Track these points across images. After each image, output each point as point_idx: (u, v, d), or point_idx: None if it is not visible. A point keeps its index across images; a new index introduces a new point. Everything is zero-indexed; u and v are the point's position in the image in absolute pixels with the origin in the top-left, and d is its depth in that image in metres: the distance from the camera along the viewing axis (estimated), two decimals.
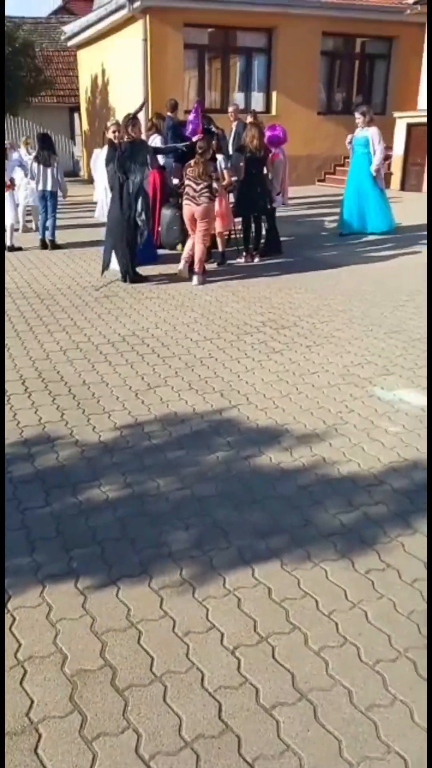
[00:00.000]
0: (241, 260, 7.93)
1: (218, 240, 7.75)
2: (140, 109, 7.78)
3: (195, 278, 6.94)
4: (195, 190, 6.71)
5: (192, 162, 6.83)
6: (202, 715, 1.91)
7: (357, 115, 9.43)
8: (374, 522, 2.80)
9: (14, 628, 2.21)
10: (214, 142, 7.23)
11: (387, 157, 15.77)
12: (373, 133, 9.08)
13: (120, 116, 9.22)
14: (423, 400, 4.00)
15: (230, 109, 9.92)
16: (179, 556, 2.58)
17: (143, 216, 6.73)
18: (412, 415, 3.80)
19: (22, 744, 1.80)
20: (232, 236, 8.27)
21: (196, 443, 3.49)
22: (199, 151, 6.78)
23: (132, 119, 6.89)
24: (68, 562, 2.54)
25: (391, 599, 2.35)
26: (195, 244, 6.91)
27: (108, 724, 1.87)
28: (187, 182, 6.80)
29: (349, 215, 9.54)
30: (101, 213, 7.30)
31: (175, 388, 4.18)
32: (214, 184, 6.77)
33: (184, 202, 6.91)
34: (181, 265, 7.10)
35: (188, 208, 6.84)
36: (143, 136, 7.57)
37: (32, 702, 1.93)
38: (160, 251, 8.34)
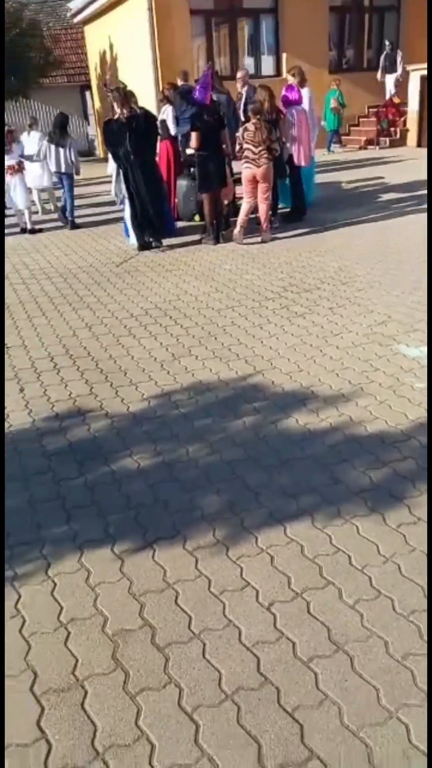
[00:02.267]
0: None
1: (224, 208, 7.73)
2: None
3: (263, 236, 7.24)
4: (254, 152, 6.86)
5: (250, 126, 6.89)
6: (240, 669, 1.95)
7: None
8: (403, 477, 2.80)
9: (55, 592, 2.28)
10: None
11: (403, 113, 15.38)
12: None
13: (132, 88, 9.08)
14: None
15: (239, 74, 9.70)
16: (212, 518, 2.62)
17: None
18: None
19: (70, 699, 1.88)
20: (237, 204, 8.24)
21: (222, 410, 3.51)
22: (257, 115, 6.87)
23: (131, 94, 6.89)
24: (104, 528, 2.60)
25: (423, 551, 2.36)
26: (259, 204, 7.14)
27: (150, 679, 1.93)
28: (246, 145, 6.90)
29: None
30: (117, 188, 7.26)
31: (199, 357, 4.20)
32: (274, 145, 6.92)
33: (244, 165, 7.01)
34: (236, 231, 7.28)
35: (249, 171, 6.98)
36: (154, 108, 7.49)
37: (77, 661, 2.00)
38: (178, 223, 8.30)
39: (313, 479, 2.84)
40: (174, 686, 1.91)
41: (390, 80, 15.26)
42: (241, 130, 7.13)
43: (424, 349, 4.07)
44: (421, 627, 2.05)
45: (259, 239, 7.25)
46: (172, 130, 8.31)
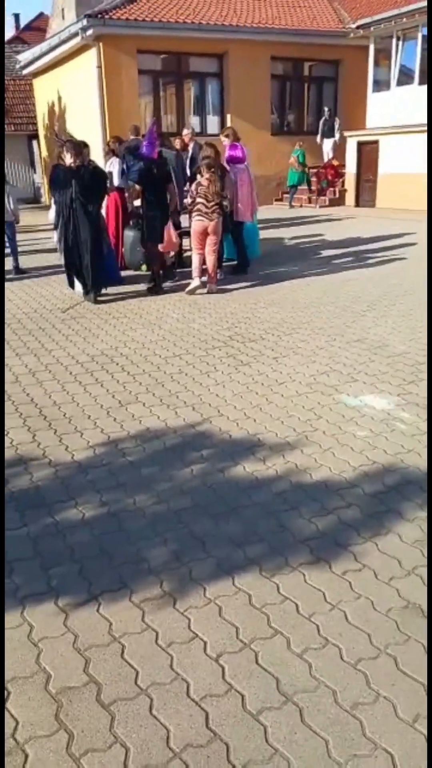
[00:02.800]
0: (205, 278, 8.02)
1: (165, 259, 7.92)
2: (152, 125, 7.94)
3: (209, 287, 7.46)
4: (207, 206, 7.09)
5: (203, 180, 7.11)
6: (189, 724, 1.91)
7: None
8: (348, 524, 2.85)
9: None
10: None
11: (341, 175, 16.28)
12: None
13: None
14: (387, 404, 4.10)
15: (185, 131, 10.06)
16: (159, 569, 2.59)
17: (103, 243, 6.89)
18: (378, 419, 3.89)
19: (10, 765, 1.78)
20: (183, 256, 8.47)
21: (170, 458, 3.50)
22: (210, 169, 7.13)
23: (84, 145, 7.05)
24: (47, 581, 2.51)
25: (369, 598, 2.39)
26: (207, 256, 7.33)
27: (95, 739, 1.86)
28: (198, 199, 7.10)
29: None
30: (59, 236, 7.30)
31: (146, 404, 4.20)
32: (224, 202, 7.22)
33: (196, 217, 7.21)
34: (195, 283, 7.42)
35: (201, 224, 7.19)
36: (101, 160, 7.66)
37: (17, 723, 1.91)
38: (124, 272, 8.39)
39: (261, 527, 2.85)
40: (120, 746, 1.84)
41: (328, 144, 16.20)
42: (194, 184, 7.36)
43: (364, 398, 4.21)
44: (368, 674, 2.06)
45: (204, 290, 7.40)
46: (116, 182, 8.52)
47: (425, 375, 4.60)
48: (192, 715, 1.94)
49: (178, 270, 8.36)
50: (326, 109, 16.44)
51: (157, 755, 1.81)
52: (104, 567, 2.60)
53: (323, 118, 16.22)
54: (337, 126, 15.95)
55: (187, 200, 7.37)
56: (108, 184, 7.86)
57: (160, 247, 7.38)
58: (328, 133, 16.09)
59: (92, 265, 6.99)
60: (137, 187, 7.21)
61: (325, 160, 16.31)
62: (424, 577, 2.51)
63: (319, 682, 2.04)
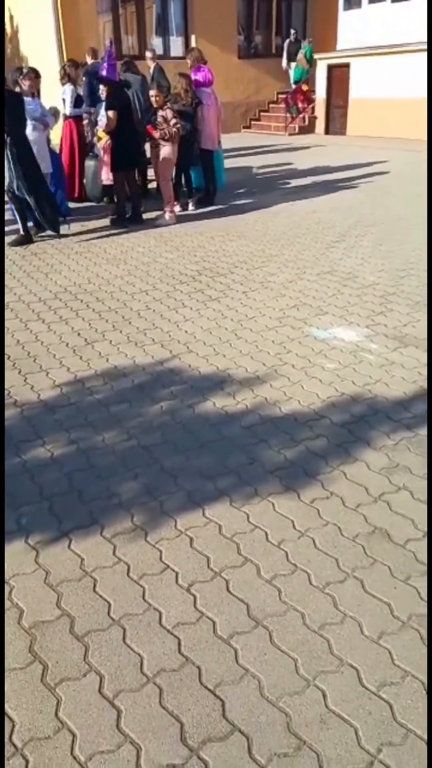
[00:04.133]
0: (177, 208, 7.80)
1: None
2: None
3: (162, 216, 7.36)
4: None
5: (168, 112, 6.93)
6: (161, 651, 1.95)
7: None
8: (316, 454, 2.88)
9: None
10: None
11: (311, 101, 15.71)
12: None
13: (33, 64, 8.71)
14: (355, 336, 4.09)
15: (148, 55, 9.51)
16: (129, 504, 2.60)
17: (22, 187, 6.20)
18: (347, 351, 3.89)
19: None
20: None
21: (139, 395, 3.47)
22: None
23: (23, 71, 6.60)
24: (17, 519, 2.51)
25: (337, 525, 2.44)
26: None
27: (70, 669, 1.89)
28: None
29: None
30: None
31: (113, 342, 4.12)
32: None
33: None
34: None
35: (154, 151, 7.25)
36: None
37: None
38: (86, 204, 8.10)
39: (231, 460, 2.87)
40: (95, 674, 1.88)
41: (294, 68, 15.55)
42: (160, 115, 6.99)
43: (333, 331, 4.20)
44: (335, 597, 2.12)
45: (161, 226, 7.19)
46: (68, 110, 8.09)
47: (394, 306, 4.59)
48: (165, 642, 1.98)
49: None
50: (292, 30, 15.67)
51: (131, 681, 1.86)
52: (74, 504, 2.60)
53: (288, 40, 15.50)
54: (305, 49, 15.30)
55: (157, 133, 6.99)
56: (60, 112, 7.47)
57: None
58: (294, 56, 15.41)
59: (38, 204, 6.37)
60: (110, 113, 6.72)
61: (292, 85, 15.71)
62: (391, 502, 2.56)
63: (288, 606, 2.10)
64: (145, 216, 7.55)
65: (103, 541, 2.39)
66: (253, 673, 1.88)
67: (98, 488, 2.70)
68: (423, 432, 3.03)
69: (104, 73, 6.99)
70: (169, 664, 1.91)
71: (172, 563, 2.28)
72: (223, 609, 2.09)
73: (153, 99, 7.01)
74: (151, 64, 9.00)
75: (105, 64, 7.04)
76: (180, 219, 7.43)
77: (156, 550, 2.35)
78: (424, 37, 12.52)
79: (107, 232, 6.96)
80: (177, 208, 7.78)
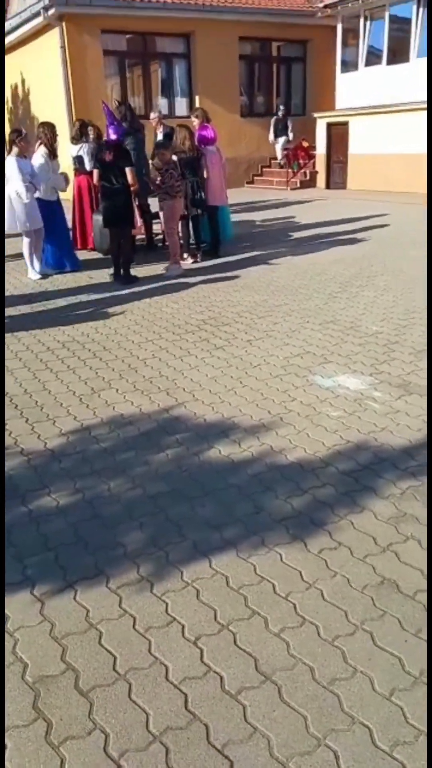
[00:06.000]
0: (188, 261, 7.98)
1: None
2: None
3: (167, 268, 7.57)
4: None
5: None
6: (168, 707, 1.91)
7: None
8: (323, 503, 2.87)
9: None
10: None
11: (311, 156, 16.25)
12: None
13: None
14: (360, 384, 4.12)
15: (152, 115, 9.83)
16: (135, 554, 2.57)
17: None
18: (351, 399, 3.91)
19: None
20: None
21: (144, 443, 3.48)
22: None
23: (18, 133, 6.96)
24: (22, 570, 2.48)
25: (345, 576, 2.41)
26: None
27: (74, 727, 1.85)
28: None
29: None
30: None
31: (120, 391, 4.16)
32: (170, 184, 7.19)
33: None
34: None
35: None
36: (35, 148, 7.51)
37: None
38: (94, 255, 8.31)
39: (237, 509, 2.85)
40: (99, 732, 1.83)
41: (280, 143, 16.08)
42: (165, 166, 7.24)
43: (337, 379, 4.23)
44: (345, 650, 2.08)
45: (165, 279, 7.30)
46: (87, 166, 8.37)
47: (397, 354, 4.63)
48: (171, 698, 1.94)
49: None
50: (280, 107, 16.21)
51: (137, 739, 1.81)
52: (80, 554, 2.58)
53: (275, 117, 15.95)
54: (290, 126, 15.82)
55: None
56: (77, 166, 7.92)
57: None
58: (281, 131, 15.93)
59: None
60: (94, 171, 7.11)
61: (278, 158, 16.27)
62: (399, 553, 2.54)
63: (297, 660, 2.06)
64: (151, 268, 7.71)
65: (108, 593, 2.36)
66: (262, 732, 1.83)
67: (104, 538, 2.68)
68: None
69: (112, 134, 7.23)
70: (176, 721, 1.86)
71: (179, 616, 2.25)
72: (230, 663, 2.05)
73: (158, 159, 7.25)
74: (159, 126, 9.25)
75: (109, 126, 7.30)
76: (186, 271, 7.58)
77: (162, 602, 2.32)
78: (417, 98, 13.04)
79: (113, 285, 7.09)
80: (189, 261, 7.95)
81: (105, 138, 7.74)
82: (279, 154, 16.27)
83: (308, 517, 2.78)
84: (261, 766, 1.73)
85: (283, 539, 2.64)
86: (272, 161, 16.95)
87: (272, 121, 16.01)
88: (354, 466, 3.16)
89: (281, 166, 16.29)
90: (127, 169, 6.88)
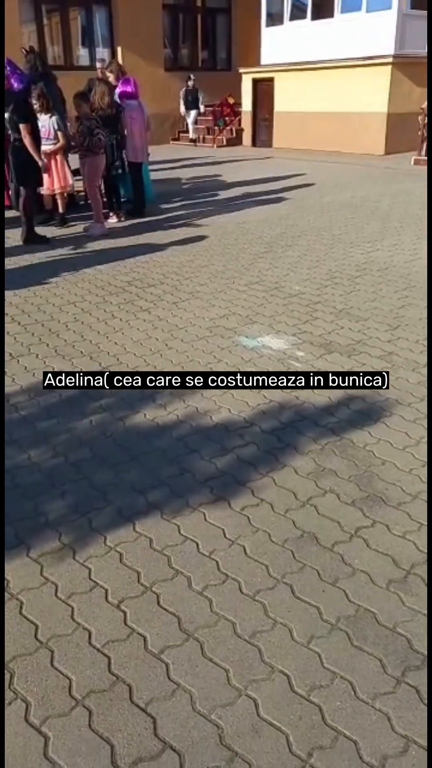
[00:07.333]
0: (113, 220, 7.75)
1: (59, 200, 7.54)
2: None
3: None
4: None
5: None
6: (91, 672, 1.91)
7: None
8: (246, 462, 2.90)
9: None
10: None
11: (237, 113, 15.99)
12: None
13: None
14: (283, 344, 4.16)
15: (98, 65, 9.26)
16: (57, 522, 2.53)
17: None
18: (275, 359, 3.95)
19: None
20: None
21: (67, 410, 3.40)
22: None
23: None
24: None
25: (266, 531, 2.47)
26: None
27: None
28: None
29: None
30: None
31: (40, 356, 4.03)
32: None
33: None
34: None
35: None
36: None
37: None
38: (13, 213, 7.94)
39: (162, 473, 2.85)
40: (20, 701, 1.81)
41: (192, 116, 15.56)
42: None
43: (261, 339, 4.26)
44: (266, 604, 2.13)
45: (89, 238, 7.12)
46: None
47: (319, 314, 4.69)
48: (94, 662, 1.94)
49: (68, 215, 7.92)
50: (191, 76, 15.45)
51: (60, 704, 1.81)
52: None
53: (185, 89, 15.18)
54: (201, 98, 15.24)
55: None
56: None
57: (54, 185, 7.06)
58: (192, 104, 15.32)
59: None
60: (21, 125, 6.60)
61: (190, 133, 15.78)
62: (318, 506, 2.61)
63: (219, 616, 2.10)
64: (73, 227, 7.46)
65: (29, 562, 2.32)
66: (184, 687, 1.86)
67: (24, 508, 2.62)
68: (348, 436, 3.10)
69: (16, 85, 6.82)
70: (98, 684, 1.87)
71: (102, 581, 2.24)
72: (153, 624, 2.07)
73: (76, 108, 6.92)
74: (109, 75, 8.70)
75: (12, 77, 6.87)
76: (109, 231, 7.37)
77: (85, 568, 2.30)
78: (342, 55, 12.99)
79: (32, 246, 6.82)
80: (113, 219, 7.72)
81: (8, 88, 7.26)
82: (191, 128, 15.72)
83: (231, 476, 2.81)
84: (183, 720, 1.76)
85: (207, 499, 2.66)
86: (198, 118, 16.57)
87: (182, 92, 15.24)
88: (276, 425, 3.21)
89: (193, 141, 15.76)
90: (21, 126, 6.33)
